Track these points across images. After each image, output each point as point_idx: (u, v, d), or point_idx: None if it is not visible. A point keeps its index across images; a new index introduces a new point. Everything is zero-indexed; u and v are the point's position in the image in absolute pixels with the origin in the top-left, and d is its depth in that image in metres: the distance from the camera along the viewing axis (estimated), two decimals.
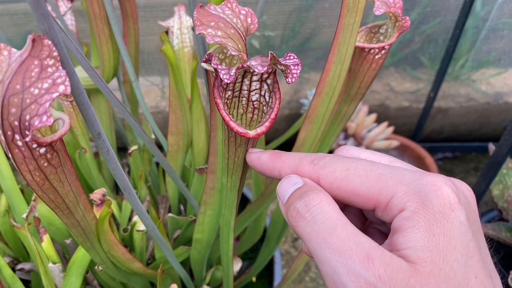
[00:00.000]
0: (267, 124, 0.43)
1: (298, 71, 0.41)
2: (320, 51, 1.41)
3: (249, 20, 0.44)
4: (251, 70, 0.43)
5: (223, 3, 0.43)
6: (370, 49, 0.62)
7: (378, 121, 1.30)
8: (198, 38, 0.75)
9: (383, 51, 0.63)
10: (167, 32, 0.99)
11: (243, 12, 0.44)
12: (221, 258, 0.71)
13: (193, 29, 0.95)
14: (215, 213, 0.64)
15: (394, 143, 1.21)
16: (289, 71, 0.40)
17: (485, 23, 1.31)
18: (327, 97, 0.63)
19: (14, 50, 0.35)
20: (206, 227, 0.67)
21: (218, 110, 0.41)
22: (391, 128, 1.24)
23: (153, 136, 0.98)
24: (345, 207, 0.47)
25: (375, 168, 0.38)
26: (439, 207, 0.34)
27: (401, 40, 1.37)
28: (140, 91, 0.76)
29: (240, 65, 0.38)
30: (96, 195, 0.64)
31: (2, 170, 0.77)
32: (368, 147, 1.21)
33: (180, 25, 0.98)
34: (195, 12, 0.40)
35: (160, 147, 0.91)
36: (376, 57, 0.63)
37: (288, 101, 1.44)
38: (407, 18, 0.60)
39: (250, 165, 0.48)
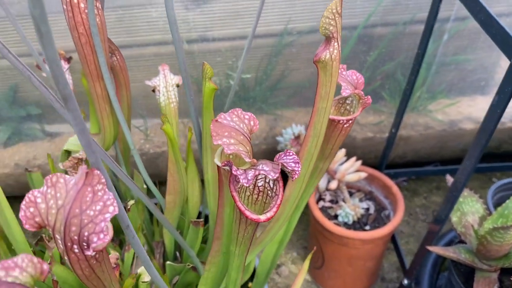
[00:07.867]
0: (274, 209, 0.53)
1: (299, 169, 0.51)
2: (291, 90, 1.53)
3: (252, 123, 0.54)
4: (264, 176, 0.54)
5: (230, 111, 0.53)
6: (339, 120, 0.74)
7: (347, 150, 1.42)
8: (189, 101, 0.85)
9: (350, 121, 0.75)
10: (153, 91, 1.08)
11: (246, 117, 0.54)
12: None
13: (177, 85, 1.05)
14: (219, 270, 0.74)
15: (363, 174, 1.34)
16: (294, 172, 0.50)
17: (434, 58, 1.46)
18: (306, 162, 0.74)
19: (67, 177, 0.45)
20: (209, 281, 0.76)
21: (235, 202, 0.51)
22: (359, 162, 1.37)
23: (144, 186, 1.06)
24: None
25: None
26: None
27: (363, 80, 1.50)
28: (140, 160, 0.85)
29: (257, 172, 0.48)
30: (111, 259, 0.73)
31: (15, 235, 0.84)
32: (340, 181, 1.33)
33: (165, 83, 1.07)
34: (212, 125, 0.50)
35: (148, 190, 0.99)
36: (345, 126, 0.75)
37: (265, 137, 1.55)
38: (369, 96, 0.72)
39: None
